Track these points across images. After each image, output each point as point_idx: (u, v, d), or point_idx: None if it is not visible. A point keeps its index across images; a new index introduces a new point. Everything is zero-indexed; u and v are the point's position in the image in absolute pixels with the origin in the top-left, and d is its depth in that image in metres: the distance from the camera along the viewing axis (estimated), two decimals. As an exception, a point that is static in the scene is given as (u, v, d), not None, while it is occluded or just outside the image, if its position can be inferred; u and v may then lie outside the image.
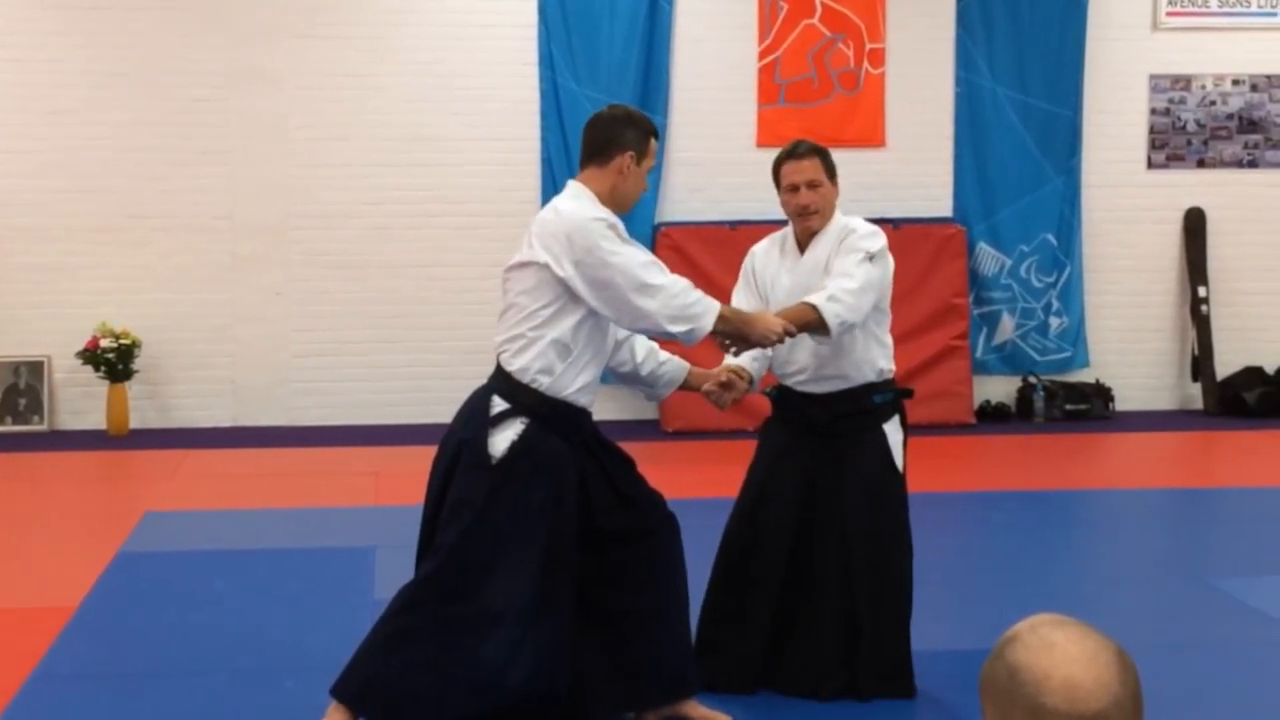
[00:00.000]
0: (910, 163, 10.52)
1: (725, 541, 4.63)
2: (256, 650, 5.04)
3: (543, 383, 4.05)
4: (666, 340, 4.29)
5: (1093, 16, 10.57)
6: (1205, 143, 10.81)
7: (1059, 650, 1.64)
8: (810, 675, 4.51)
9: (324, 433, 9.85)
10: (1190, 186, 10.78)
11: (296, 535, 6.89)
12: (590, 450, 4.20)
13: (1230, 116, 10.81)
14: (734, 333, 4.18)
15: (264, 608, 5.58)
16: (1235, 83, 10.80)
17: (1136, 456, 9.66)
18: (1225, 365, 10.73)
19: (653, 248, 10.10)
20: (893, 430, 4.59)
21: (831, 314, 4.29)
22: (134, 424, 9.93)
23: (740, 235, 9.22)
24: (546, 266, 4.01)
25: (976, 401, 10.49)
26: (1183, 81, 10.76)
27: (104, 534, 6.80)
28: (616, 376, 4.50)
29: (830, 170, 4.58)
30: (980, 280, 10.62)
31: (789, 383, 4.63)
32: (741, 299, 4.63)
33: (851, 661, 4.50)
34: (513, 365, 4.08)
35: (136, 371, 9.85)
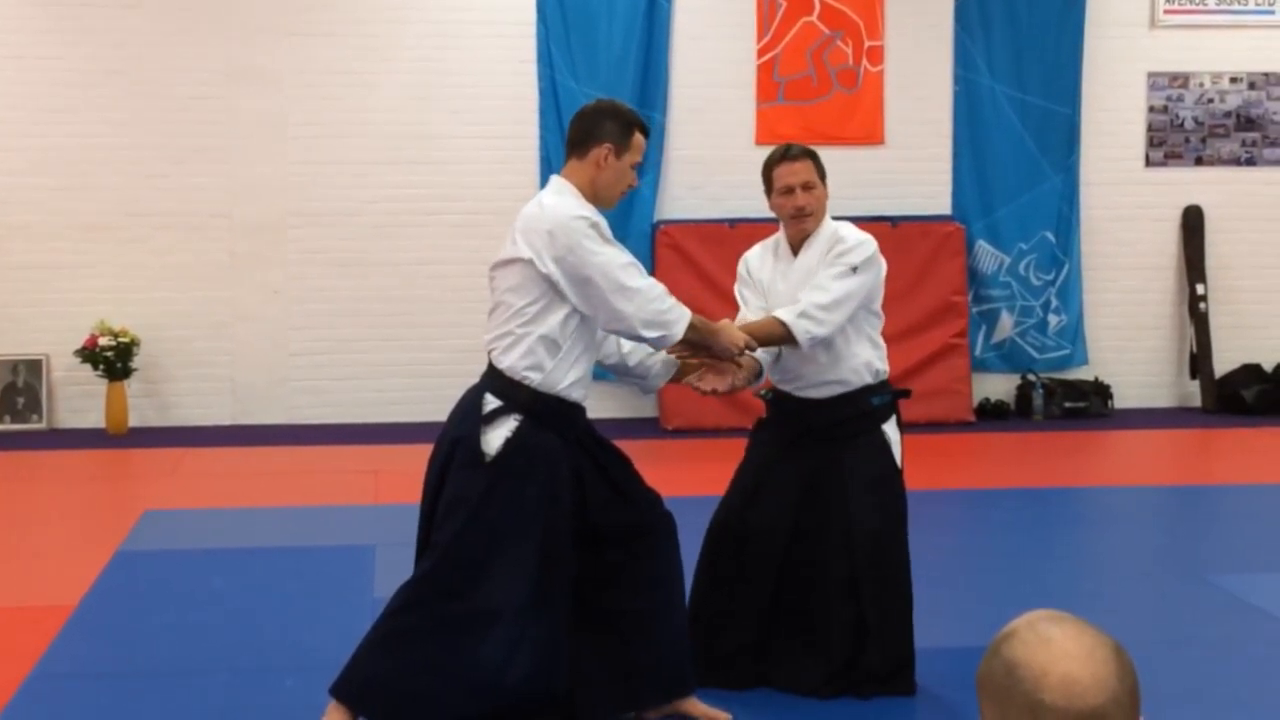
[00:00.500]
0: (909, 160, 10.52)
1: (712, 539, 4.61)
2: (256, 649, 5.04)
3: (533, 379, 4.05)
4: (637, 343, 4.31)
5: (1091, 14, 10.58)
6: (1203, 140, 10.81)
7: (1056, 646, 1.64)
8: (813, 676, 4.50)
9: (323, 431, 9.86)
10: (1188, 184, 10.79)
11: (296, 534, 6.88)
12: (585, 447, 4.20)
13: (1228, 114, 10.81)
14: (700, 342, 4.20)
15: (263, 606, 5.58)
16: (1233, 80, 10.81)
17: (1135, 454, 9.67)
18: (1223, 363, 10.74)
19: (652, 246, 10.11)
20: (891, 430, 4.61)
21: (801, 330, 4.36)
22: (133, 422, 9.93)
23: (739, 233, 9.23)
24: (531, 263, 4.02)
25: (975, 399, 10.50)
26: (1181, 79, 10.76)
27: (103, 533, 6.80)
28: (605, 368, 4.47)
29: (822, 172, 4.59)
30: (979, 278, 10.63)
31: (787, 389, 4.63)
32: (751, 300, 4.63)
33: (857, 662, 4.50)
34: (502, 363, 4.08)
35: (135, 370, 9.85)
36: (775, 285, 4.59)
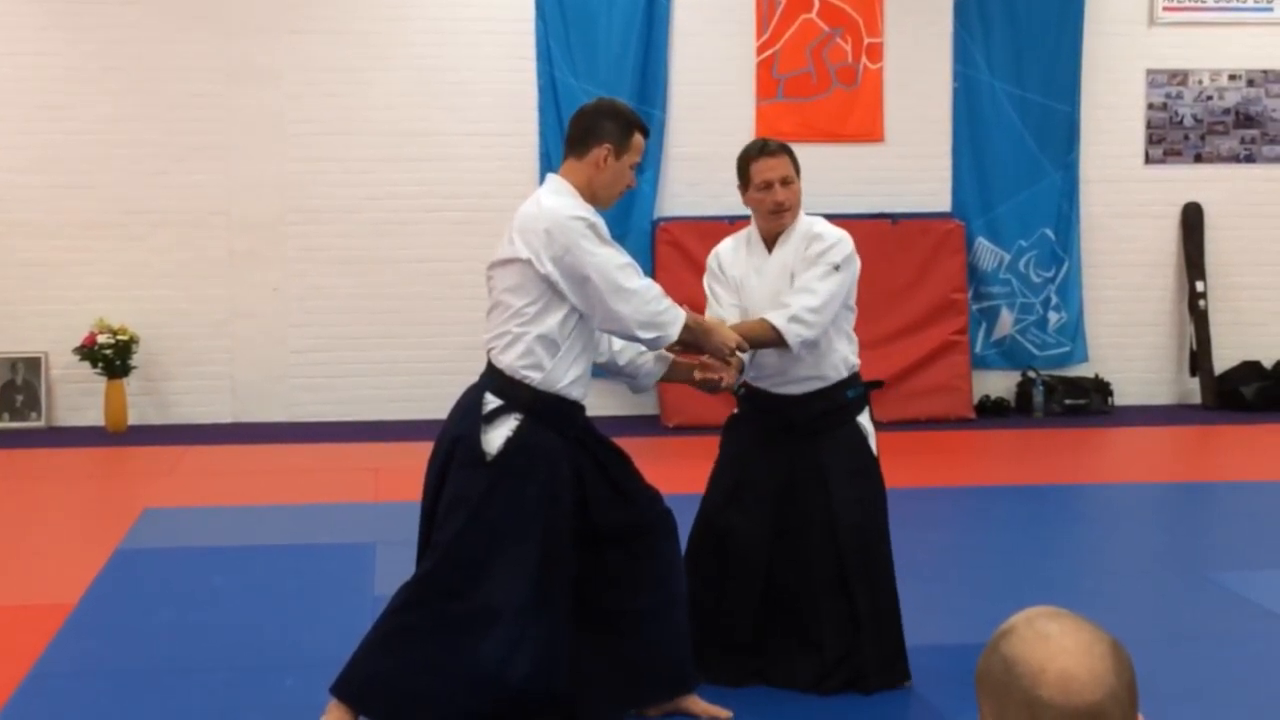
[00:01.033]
0: (909, 158, 10.52)
1: (696, 540, 4.60)
2: (256, 647, 5.04)
3: (533, 378, 4.05)
4: (631, 343, 4.31)
5: (1090, 12, 10.58)
6: (1202, 138, 10.81)
7: (1054, 643, 1.64)
8: (808, 672, 4.50)
9: (323, 429, 9.85)
10: (1188, 181, 10.79)
11: (296, 532, 6.88)
12: (585, 446, 4.20)
13: (1227, 111, 10.81)
14: (693, 342, 4.21)
15: (263, 604, 5.57)
16: (1232, 78, 10.80)
17: (1135, 451, 9.67)
18: (1223, 360, 10.74)
19: (651, 243, 10.11)
20: (865, 422, 4.64)
21: (793, 334, 4.39)
22: (132, 420, 9.93)
23: (739, 230, 9.21)
24: (529, 263, 4.02)
25: (976, 396, 10.50)
26: (1180, 77, 10.76)
27: (102, 531, 6.80)
28: (595, 367, 4.43)
29: (798, 167, 4.59)
30: (979, 275, 10.63)
31: (763, 385, 4.62)
32: (723, 297, 4.58)
33: (851, 656, 4.50)
34: (501, 362, 4.08)
35: (134, 368, 9.85)
36: (749, 280, 4.57)
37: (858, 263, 4.62)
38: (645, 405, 9.91)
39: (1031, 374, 10.57)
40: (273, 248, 10.10)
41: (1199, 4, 10.68)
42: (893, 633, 4.53)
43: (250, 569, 6.12)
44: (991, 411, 10.51)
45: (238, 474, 8.48)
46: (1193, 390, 10.81)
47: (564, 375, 4.09)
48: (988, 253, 10.63)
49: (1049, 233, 10.63)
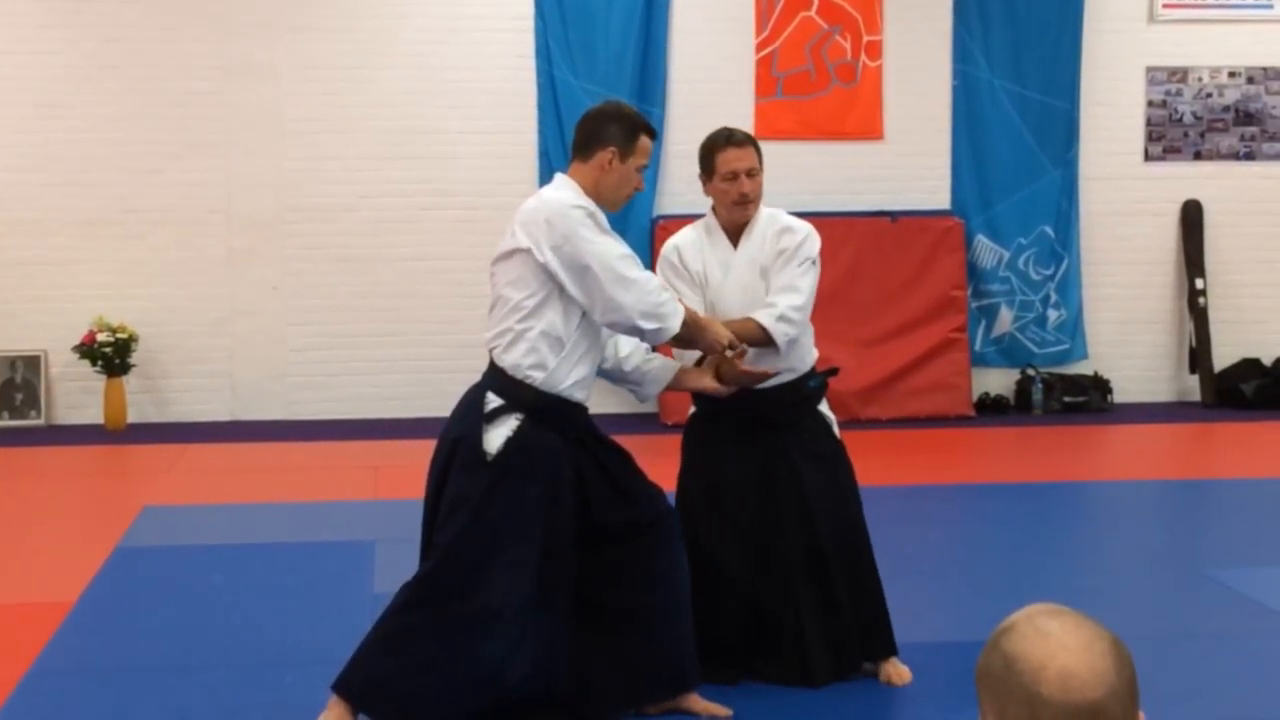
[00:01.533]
0: (908, 155, 10.52)
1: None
2: (256, 645, 5.04)
3: (536, 378, 4.05)
4: (633, 350, 4.31)
5: (1089, 9, 10.57)
6: (1202, 135, 10.81)
7: (1054, 640, 1.64)
8: (796, 667, 4.49)
9: (322, 427, 9.85)
10: (1187, 179, 10.79)
11: (296, 530, 6.88)
12: (586, 446, 4.19)
13: (1227, 109, 10.81)
14: (688, 338, 4.20)
15: (263, 602, 5.57)
16: (1232, 75, 10.80)
17: (1134, 448, 9.67)
18: (1223, 357, 10.74)
19: (651, 241, 10.10)
20: (826, 410, 4.67)
21: (781, 334, 4.41)
22: (131, 418, 9.93)
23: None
24: (529, 252, 4.01)
25: (975, 394, 10.50)
26: (1179, 74, 10.76)
27: (102, 529, 6.80)
28: (600, 373, 4.41)
29: (762, 159, 4.56)
30: (978, 273, 10.63)
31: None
32: (685, 292, 4.50)
33: (836, 641, 4.50)
34: (504, 361, 4.08)
35: (134, 366, 9.85)
36: (713, 275, 4.51)
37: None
38: (645, 403, 9.89)
39: (1031, 371, 10.58)
40: (272, 246, 10.10)
41: (1199, 1, 10.68)
42: (875, 608, 4.55)
43: (250, 567, 6.12)
44: (991, 409, 10.52)
45: (237, 472, 8.48)
46: (1192, 388, 10.81)
47: (567, 376, 4.08)
48: (987, 250, 10.63)
49: (1048, 230, 10.63)
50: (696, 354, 4.47)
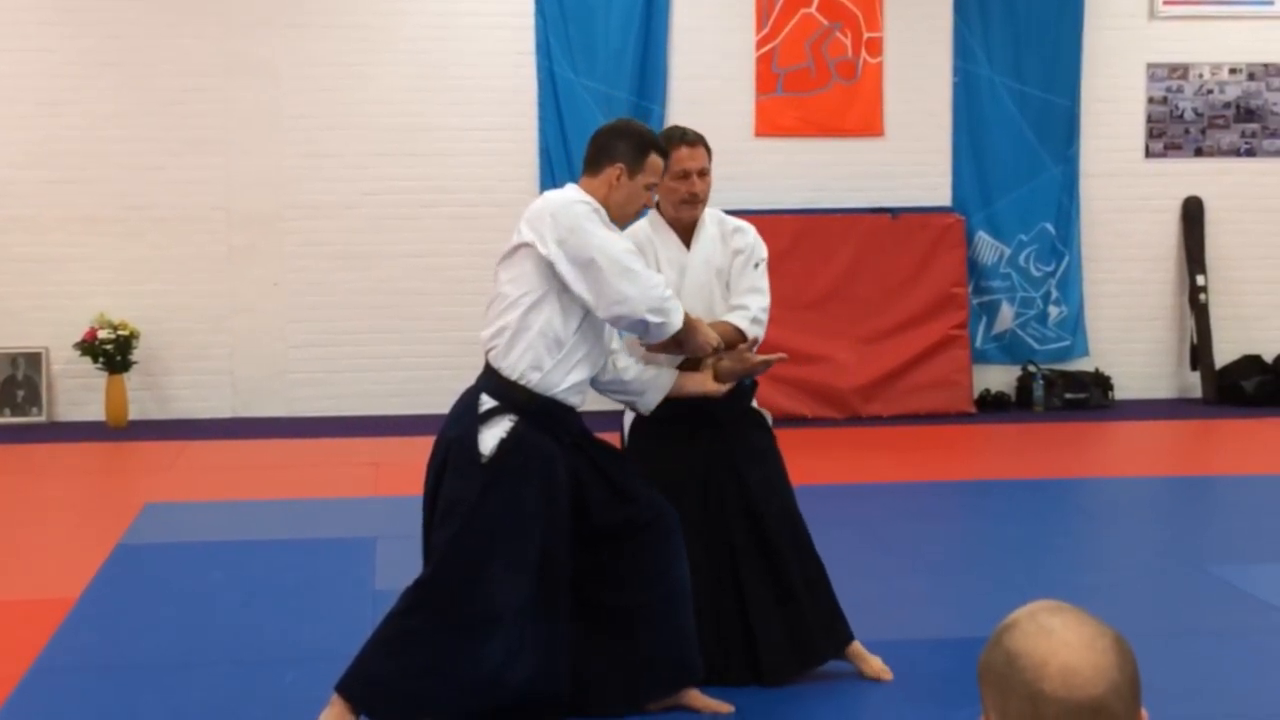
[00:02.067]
0: (908, 152, 10.51)
1: None
2: (257, 642, 5.04)
3: (532, 379, 4.05)
4: (632, 360, 4.32)
5: (1090, 6, 10.57)
6: (1203, 131, 10.81)
7: (1057, 637, 1.64)
8: (756, 664, 4.49)
9: (323, 423, 9.85)
10: (1188, 175, 10.78)
11: (296, 526, 6.88)
12: (581, 448, 4.20)
13: (1227, 105, 10.81)
14: (681, 338, 4.19)
15: (264, 599, 5.57)
16: (1232, 71, 10.80)
17: (1135, 445, 9.67)
18: (1223, 354, 10.73)
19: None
20: (756, 404, 4.69)
21: (753, 335, 4.47)
22: (133, 415, 9.93)
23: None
24: (532, 246, 4.02)
25: (976, 390, 10.50)
26: (1180, 70, 10.76)
27: (103, 526, 6.80)
28: (600, 387, 4.39)
29: (712, 159, 4.56)
30: (979, 269, 10.62)
31: None
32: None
33: (797, 634, 4.50)
34: (502, 362, 4.08)
35: (135, 363, 9.85)
36: (667, 275, 4.44)
37: None
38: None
39: (1032, 368, 10.57)
40: (272, 243, 10.10)
41: (1199, -2, 10.68)
42: (827, 597, 4.56)
43: (251, 564, 6.12)
44: (992, 406, 10.51)
45: (238, 469, 8.48)
46: (1193, 384, 10.81)
47: (563, 379, 4.08)
48: (988, 247, 10.63)
49: (1049, 227, 10.63)
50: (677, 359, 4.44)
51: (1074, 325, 10.72)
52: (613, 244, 4.03)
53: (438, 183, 10.16)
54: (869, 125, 10.46)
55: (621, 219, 4.20)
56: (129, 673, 4.74)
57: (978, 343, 10.62)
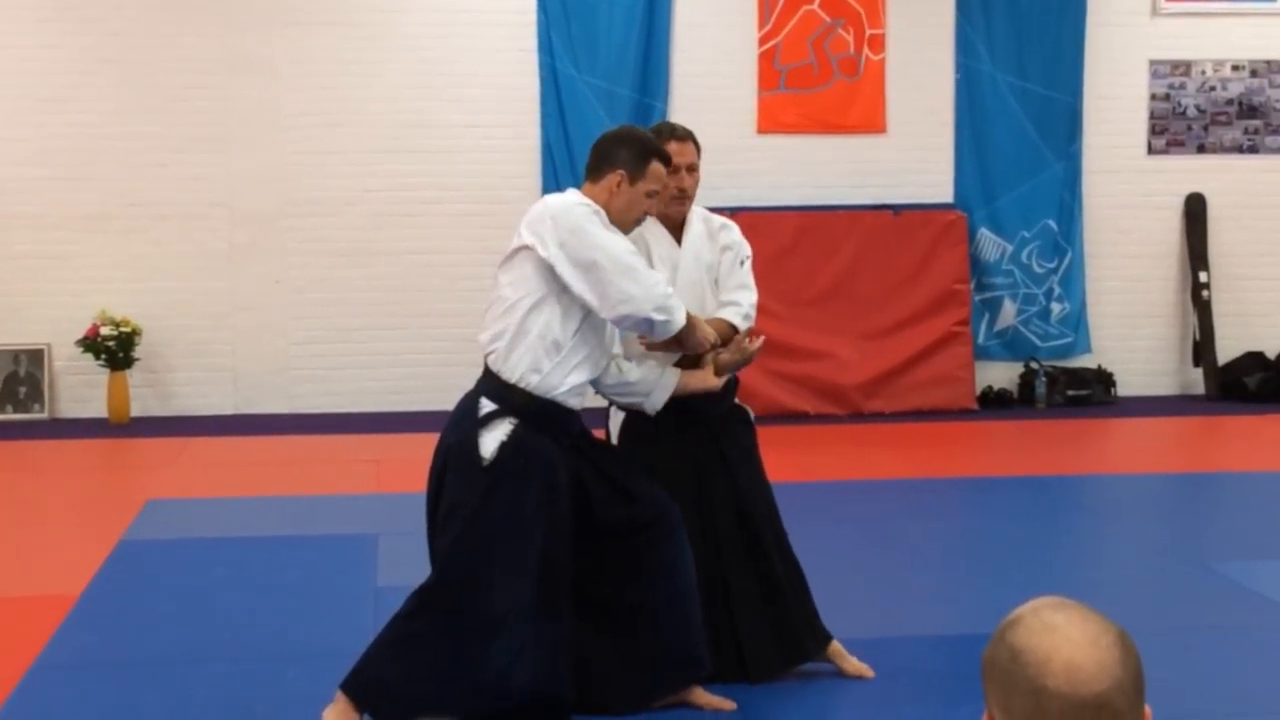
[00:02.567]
0: (911, 149, 10.51)
1: None
2: (259, 638, 5.04)
3: (531, 381, 4.04)
4: (635, 362, 4.32)
5: (1092, 2, 10.56)
6: (1205, 128, 10.80)
7: (1060, 633, 1.64)
8: (753, 661, 4.49)
9: (325, 420, 9.86)
10: (1190, 172, 10.77)
11: (299, 523, 6.89)
12: (582, 450, 4.20)
13: (1230, 102, 10.79)
14: (682, 335, 4.19)
15: (266, 596, 5.57)
16: (1235, 68, 10.78)
17: (1138, 442, 9.67)
18: (1226, 350, 10.73)
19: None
20: (739, 400, 4.71)
21: (747, 330, 4.52)
22: (135, 412, 9.94)
23: (741, 221, 9.13)
24: (532, 249, 4.02)
25: (978, 387, 10.49)
26: (1182, 67, 10.74)
27: (105, 522, 6.80)
28: (604, 390, 4.39)
29: (700, 156, 4.55)
30: (981, 266, 10.62)
31: None
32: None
33: (783, 630, 4.50)
34: (501, 365, 4.07)
35: (137, 359, 9.85)
36: (659, 267, 4.42)
37: None
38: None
39: (1034, 365, 10.57)
40: (273, 240, 10.10)
41: (1201, -6, 10.67)
42: (806, 597, 4.57)
43: (252, 560, 6.12)
44: (994, 403, 10.51)
45: (240, 465, 8.48)
46: (1196, 381, 10.80)
47: (562, 381, 4.08)
48: (990, 244, 10.62)
49: (1051, 223, 10.62)
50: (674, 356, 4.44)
51: (1076, 322, 10.72)
52: (614, 244, 4.03)
53: (439, 180, 10.15)
54: (871, 122, 10.46)
55: (622, 225, 4.17)
56: (131, 670, 4.74)
57: (980, 339, 10.61)
